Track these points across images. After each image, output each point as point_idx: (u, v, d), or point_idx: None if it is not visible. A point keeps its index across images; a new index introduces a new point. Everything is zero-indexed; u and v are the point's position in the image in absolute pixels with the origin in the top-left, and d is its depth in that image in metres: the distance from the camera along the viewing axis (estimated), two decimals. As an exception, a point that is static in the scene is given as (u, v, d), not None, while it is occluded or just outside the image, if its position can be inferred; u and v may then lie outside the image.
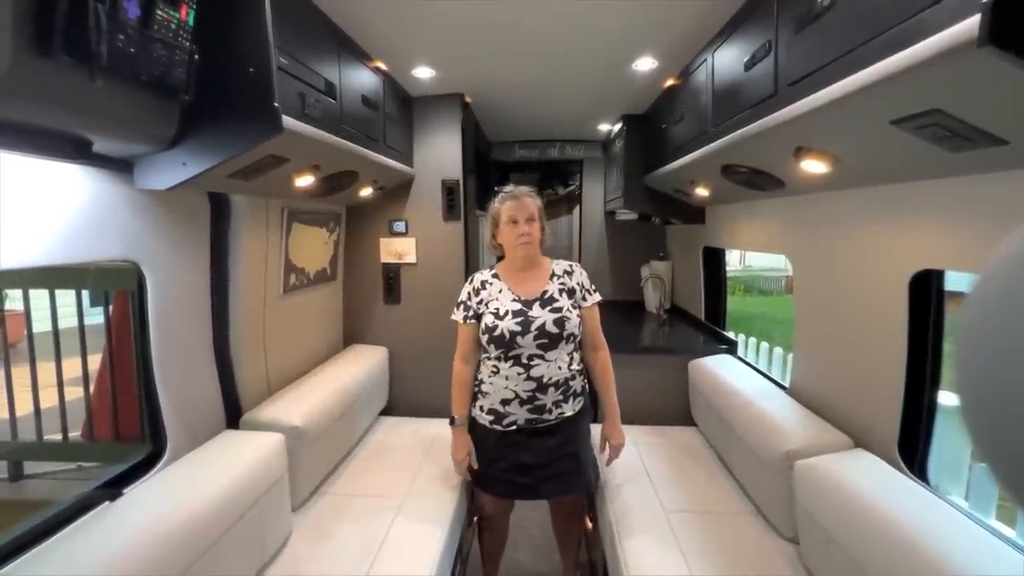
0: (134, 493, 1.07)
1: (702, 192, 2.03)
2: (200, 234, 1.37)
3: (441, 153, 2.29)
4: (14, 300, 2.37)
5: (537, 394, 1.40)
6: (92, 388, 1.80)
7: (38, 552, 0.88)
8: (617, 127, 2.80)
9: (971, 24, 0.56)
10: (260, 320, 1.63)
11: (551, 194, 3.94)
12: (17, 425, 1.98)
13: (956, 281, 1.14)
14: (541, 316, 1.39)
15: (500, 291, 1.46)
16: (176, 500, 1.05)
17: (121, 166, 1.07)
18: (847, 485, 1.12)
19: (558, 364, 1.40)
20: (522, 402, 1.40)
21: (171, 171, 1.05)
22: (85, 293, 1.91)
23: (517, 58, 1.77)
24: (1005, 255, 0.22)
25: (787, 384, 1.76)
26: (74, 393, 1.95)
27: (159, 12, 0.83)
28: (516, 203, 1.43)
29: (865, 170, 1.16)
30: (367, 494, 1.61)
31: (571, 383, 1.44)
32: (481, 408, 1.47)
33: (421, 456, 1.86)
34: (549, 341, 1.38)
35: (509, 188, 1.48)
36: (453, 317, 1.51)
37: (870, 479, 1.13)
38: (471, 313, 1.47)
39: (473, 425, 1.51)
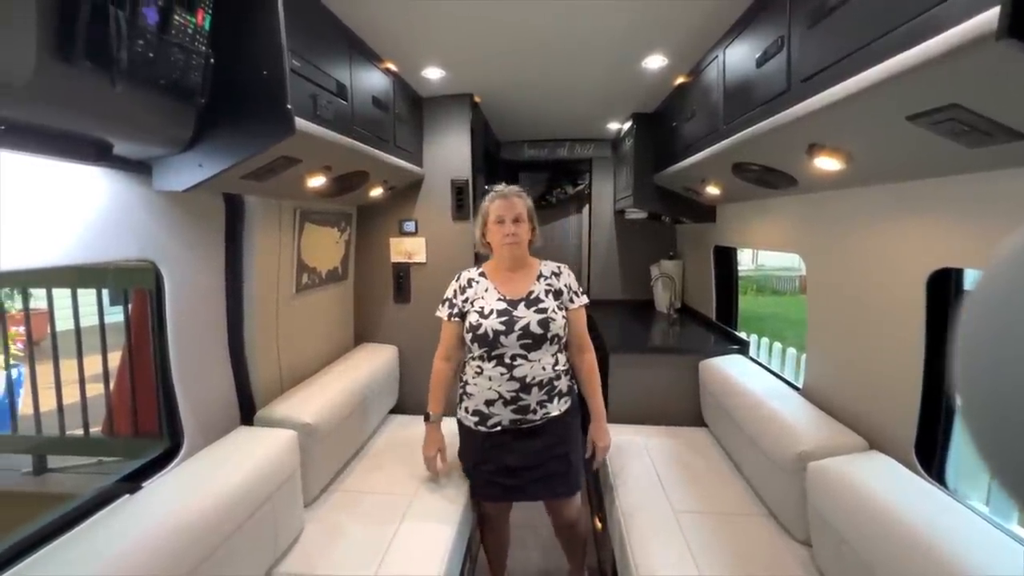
0: (153, 487, 1.09)
1: (713, 190, 2.01)
2: (215, 234, 1.39)
3: (450, 153, 2.31)
4: (38, 299, 2.44)
5: (521, 394, 1.39)
6: (112, 385, 1.85)
7: (62, 542, 0.91)
8: (627, 126, 2.78)
9: (989, 17, 0.55)
10: (273, 319, 1.66)
11: (560, 193, 3.93)
12: (41, 421, 2.05)
13: (975, 280, 1.11)
14: (526, 316, 1.39)
15: (486, 290, 1.46)
16: (193, 494, 1.07)
17: (140, 168, 1.10)
18: (861, 487, 1.10)
19: (542, 364, 1.40)
20: (506, 402, 1.40)
21: (188, 172, 1.07)
22: (105, 292, 1.96)
23: (526, 57, 1.77)
24: (1007, 253, 0.22)
25: (800, 385, 1.73)
26: (95, 390, 2.00)
27: (177, 17, 0.85)
28: (504, 202, 1.43)
29: (880, 167, 1.14)
30: (377, 491, 1.62)
31: (556, 383, 1.43)
32: (466, 410, 1.47)
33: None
34: (533, 341, 1.38)
35: (499, 187, 1.48)
36: (438, 314, 1.51)
37: (885, 481, 1.11)
38: (456, 311, 1.47)
39: (460, 427, 1.51)
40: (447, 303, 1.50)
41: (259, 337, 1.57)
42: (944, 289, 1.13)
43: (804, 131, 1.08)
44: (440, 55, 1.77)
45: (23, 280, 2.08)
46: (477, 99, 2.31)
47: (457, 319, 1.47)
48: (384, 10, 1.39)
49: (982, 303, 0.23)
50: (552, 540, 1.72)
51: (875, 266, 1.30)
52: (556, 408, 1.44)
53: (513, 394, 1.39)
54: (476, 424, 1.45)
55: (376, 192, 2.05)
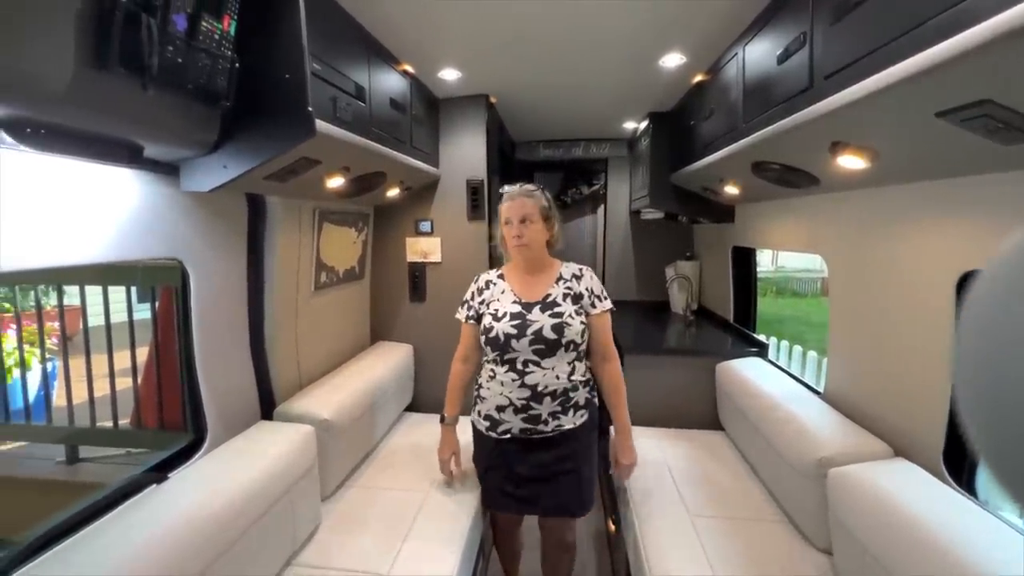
0: (178, 478, 1.13)
1: (732, 190, 1.98)
2: (238, 234, 1.43)
3: (466, 154, 2.32)
4: (71, 296, 2.55)
5: (532, 403, 1.33)
6: (140, 379, 1.92)
7: (94, 529, 0.94)
8: (643, 125, 2.76)
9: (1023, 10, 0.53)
10: (293, 316, 1.70)
11: (575, 193, 3.91)
12: (74, 412, 2.13)
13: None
14: (539, 320, 1.33)
15: (503, 292, 1.42)
16: (216, 486, 1.11)
17: (168, 169, 1.14)
18: (886, 496, 1.06)
19: (556, 373, 1.33)
20: (516, 410, 1.34)
21: (213, 174, 1.11)
22: (133, 290, 2.04)
23: (542, 57, 1.77)
24: (1008, 251, 0.21)
25: (821, 389, 1.69)
26: (124, 383, 2.08)
27: (204, 24, 0.88)
28: (510, 204, 1.38)
29: (907, 165, 1.11)
30: (392, 488, 1.65)
31: (571, 394, 1.36)
32: (479, 413, 1.44)
33: (445, 452, 1.89)
34: (546, 347, 1.32)
35: (509, 188, 1.42)
36: (457, 316, 1.50)
37: (911, 490, 1.07)
38: (473, 313, 1.45)
39: (473, 430, 1.49)
40: (465, 305, 1.48)
41: (279, 334, 1.61)
42: (975, 292, 1.09)
43: (827, 129, 1.05)
44: (456, 56, 1.78)
45: (58, 278, 2.17)
46: (492, 100, 2.32)
47: (473, 321, 1.45)
48: (401, 12, 1.40)
49: (982, 301, 0.22)
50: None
51: (901, 267, 1.26)
52: (570, 421, 1.37)
53: (524, 402, 1.33)
54: (487, 429, 1.41)
55: (393, 192, 2.07)
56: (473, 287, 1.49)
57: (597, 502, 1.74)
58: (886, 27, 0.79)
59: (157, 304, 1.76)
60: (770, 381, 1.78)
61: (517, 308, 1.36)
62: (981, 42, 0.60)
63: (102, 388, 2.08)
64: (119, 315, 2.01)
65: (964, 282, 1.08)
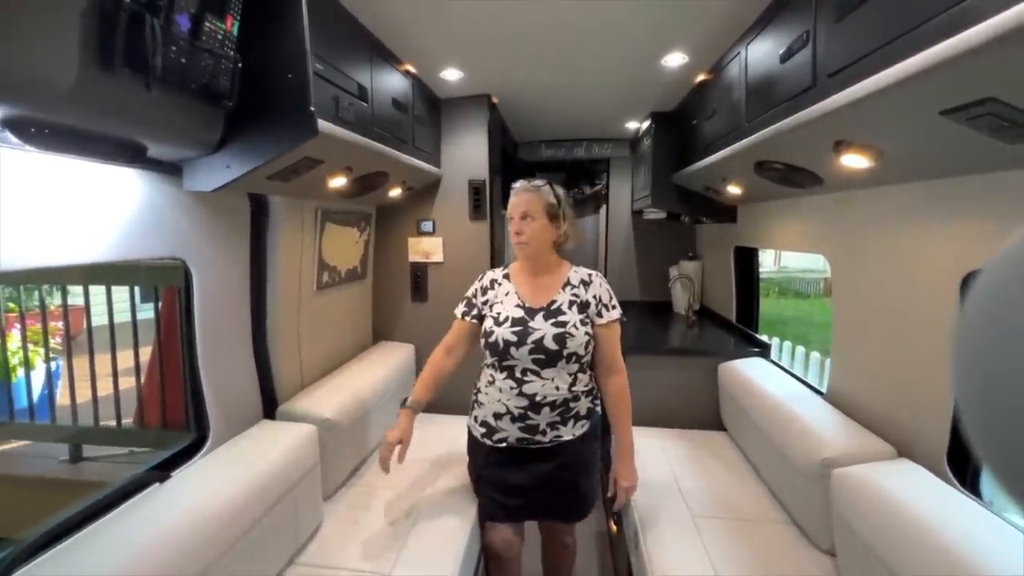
0: (181, 477, 1.14)
1: (734, 190, 1.97)
2: (241, 234, 1.44)
3: (468, 154, 2.32)
4: (75, 296, 2.56)
5: (529, 412, 1.27)
6: (143, 378, 1.92)
7: (97, 527, 0.95)
8: (645, 125, 2.75)
9: (1031, 6, 0.52)
10: (295, 316, 1.70)
11: (577, 193, 3.91)
12: (77, 411, 2.14)
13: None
14: (541, 329, 1.25)
15: (507, 294, 1.35)
16: (219, 485, 1.11)
17: (171, 169, 1.14)
18: (891, 496, 1.06)
19: (555, 383, 1.26)
20: (513, 419, 1.28)
21: (216, 173, 1.11)
22: (136, 289, 2.05)
23: (544, 57, 1.77)
24: (1009, 249, 0.21)
25: (824, 389, 1.68)
26: (127, 383, 2.08)
27: (207, 24, 0.88)
28: (515, 199, 1.31)
29: (911, 164, 1.10)
30: (394, 487, 1.64)
31: (572, 404, 1.29)
32: (476, 419, 1.38)
33: (446, 453, 1.88)
34: (546, 358, 1.25)
35: (517, 183, 1.35)
36: (455, 310, 1.43)
37: (915, 490, 1.07)
38: (475, 312, 1.38)
39: (468, 435, 1.45)
40: (465, 301, 1.42)
41: (281, 334, 1.61)
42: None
43: (831, 128, 1.05)
44: (458, 56, 1.79)
45: (61, 278, 2.18)
46: (494, 100, 2.33)
47: (474, 320, 1.38)
48: (404, 12, 1.41)
49: (982, 300, 0.22)
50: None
51: (905, 267, 1.26)
52: (569, 432, 1.30)
53: (521, 411, 1.27)
54: (483, 436, 1.35)
55: (395, 192, 2.08)
56: (477, 285, 1.43)
57: (598, 502, 1.73)
58: (889, 25, 0.79)
59: (160, 304, 1.76)
60: (773, 381, 1.78)
61: (520, 313, 1.30)
62: (985, 40, 0.60)
63: (106, 388, 2.09)
64: (123, 315, 2.02)
65: (968, 281, 1.07)
